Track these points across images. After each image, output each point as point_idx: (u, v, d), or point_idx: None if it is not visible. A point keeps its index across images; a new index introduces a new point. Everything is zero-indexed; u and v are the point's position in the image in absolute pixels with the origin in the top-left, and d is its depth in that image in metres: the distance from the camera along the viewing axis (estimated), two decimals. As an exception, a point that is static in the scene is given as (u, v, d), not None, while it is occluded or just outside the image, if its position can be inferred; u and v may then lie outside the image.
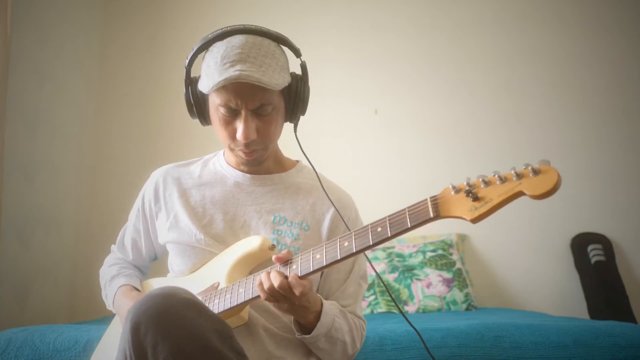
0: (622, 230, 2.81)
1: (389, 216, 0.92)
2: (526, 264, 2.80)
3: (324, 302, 1.08)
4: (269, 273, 1.00)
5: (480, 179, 0.82)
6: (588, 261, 2.71)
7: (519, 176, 0.79)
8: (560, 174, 0.78)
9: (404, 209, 0.90)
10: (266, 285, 0.99)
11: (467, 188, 0.83)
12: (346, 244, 0.96)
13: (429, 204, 0.87)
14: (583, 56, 2.96)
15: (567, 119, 2.91)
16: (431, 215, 0.86)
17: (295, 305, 1.00)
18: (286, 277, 0.98)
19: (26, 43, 2.36)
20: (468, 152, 2.90)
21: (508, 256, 2.81)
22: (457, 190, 0.85)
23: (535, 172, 0.78)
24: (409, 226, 0.89)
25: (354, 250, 0.94)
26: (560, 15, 3.01)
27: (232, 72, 1.03)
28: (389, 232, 0.90)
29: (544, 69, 2.96)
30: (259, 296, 1.02)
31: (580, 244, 2.76)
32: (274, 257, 1.04)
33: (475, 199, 0.81)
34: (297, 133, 1.23)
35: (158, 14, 3.11)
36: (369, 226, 0.94)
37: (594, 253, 2.70)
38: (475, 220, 0.81)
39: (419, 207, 0.88)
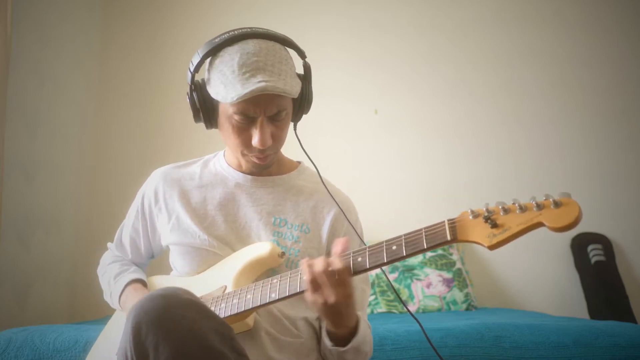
0: (622, 230, 2.81)
1: (404, 235, 0.91)
2: (526, 264, 2.80)
3: (359, 314, 1.07)
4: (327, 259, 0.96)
5: (500, 206, 0.82)
6: (588, 261, 2.71)
7: (540, 207, 0.79)
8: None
9: (421, 230, 0.90)
10: (321, 267, 0.94)
11: (486, 214, 0.83)
12: (359, 259, 0.95)
13: (447, 226, 0.86)
14: (583, 56, 2.96)
15: (567, 119, 2.91)
16: (448, 238, 0.85)
17: (335, 303, 0.94)
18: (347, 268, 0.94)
19: (26, 43, 2.36)
20: (468, 152, 2.90)
21: (508, 256, 2.81)
22: (476, 215, 0.84)
23: (557, 204, 0.78)
24: (425, 247, 0.88)
25: (367, 267, 0.94)
26: (560, 15, 3.01)
27: (256, 83, 1.03)
28: (404, 252, 0.90)
29: (544, 69, 2.96)
30: (266, 304, 1.01)
31: (580, 244, 2.77)
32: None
33: (494, 225, 0.81)
34: (297, 133, 1.23)
35: (158, 14, 3.11)
36: (384, 243, 0.93)
37: (594, 253, 2.70)
38: (493, 247, 0.81)
39: (436, 229, 0.88)
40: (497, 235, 0.81)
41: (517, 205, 0.81)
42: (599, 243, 2.74)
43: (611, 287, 2.64)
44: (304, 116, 1.22)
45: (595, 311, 2.62)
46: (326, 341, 1.08)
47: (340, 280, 0.94)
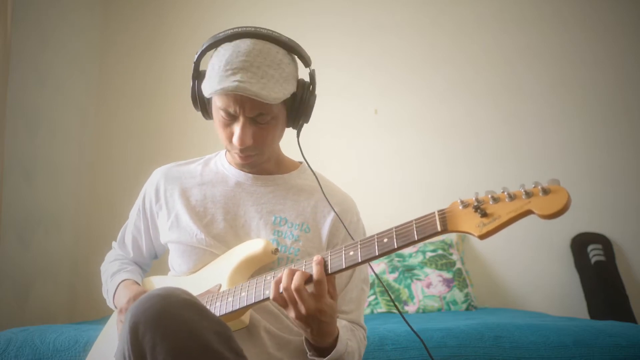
0: (622, 230, 2.81)
1: (395, 227, 0.91)
2: (526, 264, 2.79)
3: (339, 327, 1.04)
4: (293, 271, 0.97)
5: (489, 195, 0.82)
6: (588, 261, 2.70)
7: (529, 195, 0.78)
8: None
9: (411, 221, 0.90)
10: (284, 284, 0.96)
11: (476, 203, 0.83)
12: (351, 253, 0.95)
13: (437, 217, 0.87)
14: (583, 56, 2.96)
15: (567, 119, 2.91)
16: (439, 229, 0.85)
17: (306, 315, 0.95)
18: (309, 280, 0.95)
19: (26, 43, 2.36)
20: (468, 151, 2.90)
21: (508, 256, 2.81)
22: (466, 205, 0.84)
23: (545, 191, 0.77)
24: (416, 239, 0.88)
25: (359, 260, 0.94)
26: (560, 15, 3.01)
27: (231, 82, 1.03)
28: (395, 244, 0.90)
29: (543, 69, 2.96)
30: (261, 301, 1.01)
31: (580, 244, 2.76)
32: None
33: (484, 215, 0.81)
34: (299, 139, 1.22)
35: (158, 14, 3.11)
36: (375, 237, 0.93)
37: (594, 253, 2.70)
38: (483, 237, 0.81)
39: (426, 220, 0.88)
40: (486, 225, 0.80)
41: (506, 193, 0.81)
42: (599, 243, 2.74)
43: (611, 287, 2.63)
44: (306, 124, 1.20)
45: (595, 311, 2.61)
46: (308, 352, 1.05)
47: (313, 293, 0.95)
